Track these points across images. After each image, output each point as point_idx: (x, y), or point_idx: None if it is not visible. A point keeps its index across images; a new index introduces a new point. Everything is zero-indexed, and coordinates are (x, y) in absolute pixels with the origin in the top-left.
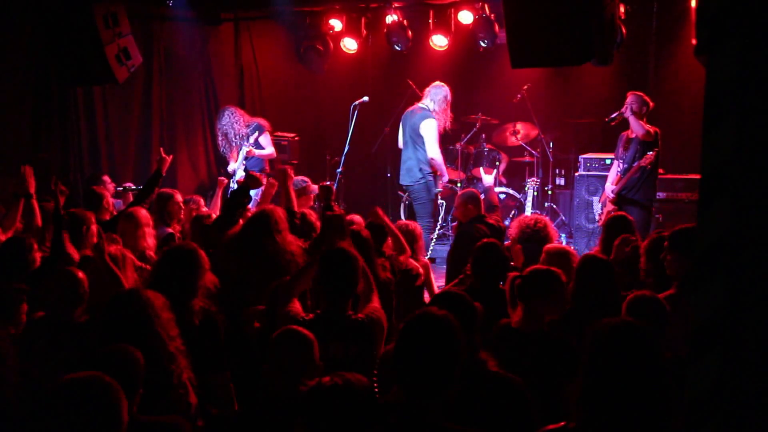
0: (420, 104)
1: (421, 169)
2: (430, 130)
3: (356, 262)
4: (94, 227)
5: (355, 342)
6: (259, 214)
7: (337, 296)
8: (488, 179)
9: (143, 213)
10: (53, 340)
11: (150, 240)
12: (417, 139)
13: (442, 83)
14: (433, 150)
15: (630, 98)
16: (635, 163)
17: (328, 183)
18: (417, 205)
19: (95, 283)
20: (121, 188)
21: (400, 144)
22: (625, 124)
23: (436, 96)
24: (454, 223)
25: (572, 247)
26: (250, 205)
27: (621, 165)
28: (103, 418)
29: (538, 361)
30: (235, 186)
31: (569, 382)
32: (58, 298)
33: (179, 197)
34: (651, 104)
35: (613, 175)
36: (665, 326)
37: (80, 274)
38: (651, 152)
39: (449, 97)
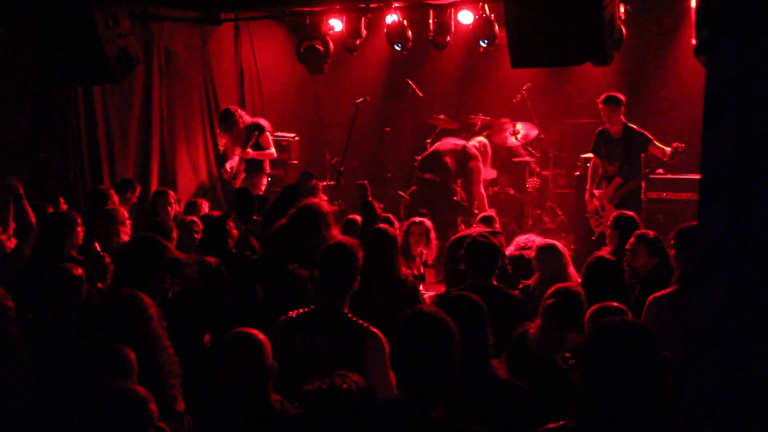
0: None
1: None
2: None
3: (353, 260)
4: (79, 229)
5: (341, 339)
6: (306, 208)
7: (331, 292)
8: None
9: (120, 211)
10: (47, 336)
11: (125, 238)
12: None
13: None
14: None
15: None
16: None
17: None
18: None
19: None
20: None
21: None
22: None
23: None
24: None
25: (572, 247)
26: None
27: (607, 167)
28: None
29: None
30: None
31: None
32: (54, 294)
33: (171, 199)
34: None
35: (595, 176)
36: None
37: (77, 271)
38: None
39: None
